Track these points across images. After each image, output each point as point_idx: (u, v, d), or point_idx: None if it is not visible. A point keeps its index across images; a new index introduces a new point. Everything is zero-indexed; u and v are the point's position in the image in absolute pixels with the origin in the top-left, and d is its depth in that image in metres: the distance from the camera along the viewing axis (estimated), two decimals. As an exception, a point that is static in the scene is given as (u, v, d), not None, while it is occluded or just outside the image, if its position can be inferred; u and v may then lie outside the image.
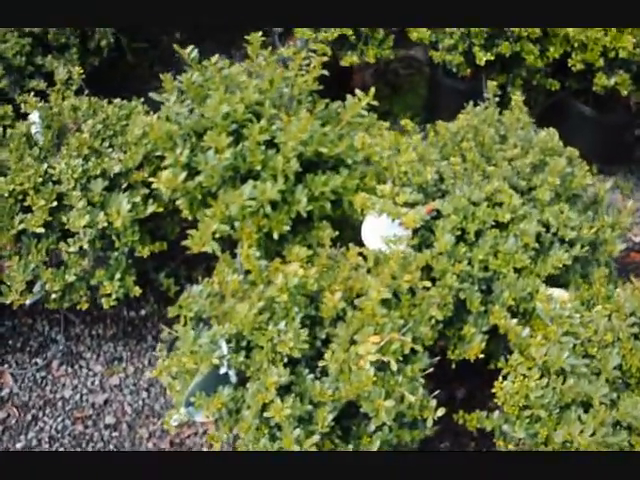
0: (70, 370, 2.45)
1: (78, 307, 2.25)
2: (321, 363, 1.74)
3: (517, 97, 2.29)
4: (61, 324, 2.56)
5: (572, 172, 2.12)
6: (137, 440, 2.30)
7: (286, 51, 2.87)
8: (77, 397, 2.39)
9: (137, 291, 2.24)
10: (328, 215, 2.13)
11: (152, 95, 2.25)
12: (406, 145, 2.16)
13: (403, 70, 3.78)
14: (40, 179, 2.20)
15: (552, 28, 2.65)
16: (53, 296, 2.19)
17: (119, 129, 2.41)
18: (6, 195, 2.19)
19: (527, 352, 1.78)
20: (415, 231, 2.02)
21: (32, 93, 2.51)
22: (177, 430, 2.30)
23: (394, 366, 1.68)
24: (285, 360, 1.76)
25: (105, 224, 2.14)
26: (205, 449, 2.27)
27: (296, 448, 1.63)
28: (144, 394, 2.39)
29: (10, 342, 2.53)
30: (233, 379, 1.84)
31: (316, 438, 1.65)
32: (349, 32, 2.81)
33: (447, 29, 2.76)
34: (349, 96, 2.31)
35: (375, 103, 2.26)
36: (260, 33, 2.40)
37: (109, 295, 2.20)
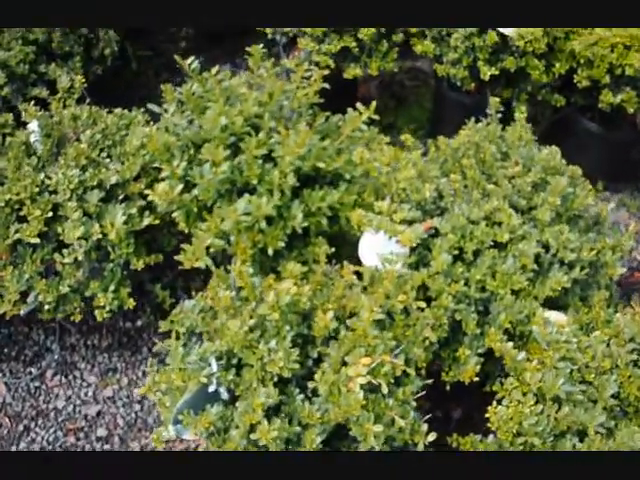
0: (64, 380, 2.44)
1: (72, 318, 2.23)
2: (311, 384, 1.71)
3: (520, 114, 2.25)
4: (57, 333, 2.55)
5: (574, 192, 2.07)
6: (129, 453, 2.28)
7: (289, 62, 2.87)
8: (70, 408, 2.38)
9: (131, 303, 2.22)
10: (325, 231, 2.11)
11: (150, 106, 2.24)
12: (405, 161, 2.13)
13: (409, 82, 3.76)
14: (37, 189, 2.20)
15: (557, 44, 2.61)
16: (47, 307, 2.18)
17: (118, 139, 2.40)
18: (2, 204, 2.18)
19: (522, 377, 1.74)
20: (412, 249, 1.99)
21: (33, 102, 2.51)
22: (170, 445, 2.28)
23: (385, 389, 1.65)
24: (275, 379, 1.73)
25: (100, 236, 2.12)
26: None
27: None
28: (137, 407, 2.37)
29: (5, 350, 2.52)
30: (224, 396, 1.81)
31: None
32: (352, 44, 2.79)
33: (451, 43, 2.73)
34: (350, 109, 2.29)
35: (376, 117, 2.24)
36: (262, 45, 2.38)
37: (103, 307, 2.19)
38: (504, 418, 1.68)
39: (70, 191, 2.17)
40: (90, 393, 2.41)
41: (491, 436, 1.80)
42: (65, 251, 2.15)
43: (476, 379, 1.88)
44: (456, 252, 1.97)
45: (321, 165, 2.08)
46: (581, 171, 2.24)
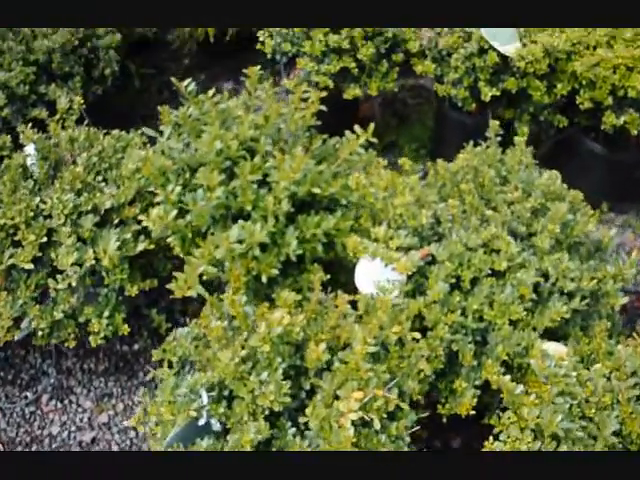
0: (60, 405, 2.42)
1: (66, 344, 2.21)
2: (302, 419, 1.67)
3: (520, 138, 2.22)
4: (53, 356, 2.53)
5: (574, 218, 2.03)
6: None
7: (288, 83, 2.85)
8: (65, 434, 2.35)
9: (125, 330, 2.20)
10: (320, 257, 2.08)
11: (146, 130, 2.22)
12: (402, 186, 2.10)
13: (412, 99, 3.73)
14: (32, 213, 2.19)
15: (559, 65, 2.57)
16: (40, 333, 2.16)
17: (114, 162, 2.39)
18: (-3, 229, 2.17)
19: (520, 411, 1.69)
20: (409, 276, 1.96)
21: (32, 123, 2.51)
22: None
23: (377, 425, 1.61)
24: (267, 412, 1.70)
25: (93, 262, 2.10)
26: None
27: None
28: (132, 433, 2.35)
29: (1, 374, 2.51)
30: (216, 427, 1.78)
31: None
32: (351, 64, 2.76)
33: (452, 63, 2.71)
34: (348, 132, 2.26)
35: (374, 140, 2.21)
36: (260, 67, 2.35)
37: (97, 333, 2.17)
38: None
39: (64, 216, 2.16)
40: (85, 419, 2.39)
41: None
42: (59, 277, 2.13)
43: (472, 412, 1.83)
44: (453, 280, 1.93)
45: (317, 191, 2.06)
46: (583, 195, 2.19)
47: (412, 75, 3.60)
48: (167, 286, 1.91)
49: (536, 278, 1.89)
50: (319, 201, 2.13)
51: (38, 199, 2.22)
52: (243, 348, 1.77)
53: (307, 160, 2.07)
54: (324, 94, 2.29)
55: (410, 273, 1.91)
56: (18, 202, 2.20)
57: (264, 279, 1.98)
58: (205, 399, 1.72)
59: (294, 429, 1.70)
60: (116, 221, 2.24)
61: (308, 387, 1.78)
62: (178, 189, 2.08)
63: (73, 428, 2.36)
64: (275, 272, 1.98)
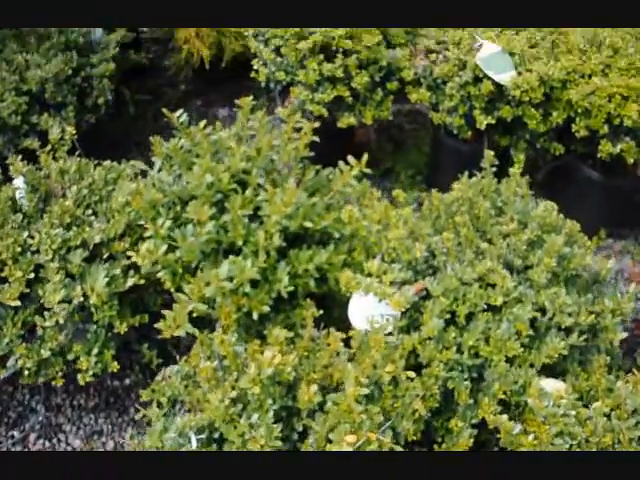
0: (48, 444, 2.36)
1: (53, 383, 2.16)
2: (293, 464, 1.62)
3: (514, 170, 2.19)
4: (42, 393, 2.48)
5: (571, 251, 1.99)
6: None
7: (282, 112, 2.83)
8: (53, 474, 2.29)
9: (115, 367, 2.15)
10: (313, 292, 2.04)
11: (134, 163, 2.20)
12: (396, 219, 2.07)
13: (408, 125, 3.71)
14: (19, 248, 2.15)
15: (554, 93, 2.55)
16: (27, 372, 2.11)
17: (105, 194, 2.36)
18: (-17, 266, 2.13)
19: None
20: (403, 312, 1.92)
21: (23, 154, 2.49)
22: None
23: (371, 470, 1.56)
24: (257, 456, 1.65)
25: (81, 299, 2.06)
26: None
27: None
28: (122, 472, 2.28)
29: (-12, 412, 2.46)
30: (206, 470, 1.73)
31: None
32: (346, 93, 2.74)
33: (447, 91, 2.69)
34: (341, 163, 2.23)
35: (368, 171, 2.18)
36: (252, 98, 2.34)
37: (86, 371, 2.12)
38: (499, 499, 1.58)
39: (52, 251, 2.12)
40: (74, 457, 2.33)
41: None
42: (47, 314, 2.09)
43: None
44: (448, 316, 1.89)
45: (309, 224, 2.02)
46: (580, 222, 2.16)
47: (408, 101, 3.60)
48: (155, 325, 1.87)
49: (533, 313, 1.85)
50: (311, 235, 2.09)
51: (26, 233, 2.19)
52: (233, 389, 1.72)
53: (299, 193, 2.04)
54: (317, 124, 2.27)
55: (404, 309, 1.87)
56: (5, 237, 2.16)
57: (255, 316, 1.94)
58: (194, 443, 1.67)
59: (285, 473, 1.65)
60: (105, 256, 2.20)
61: (300, 429, 1.73)
62: (168, 223, 2.04)
63: (62, 467, 2.30)
64: (266, 309, 1.94)
